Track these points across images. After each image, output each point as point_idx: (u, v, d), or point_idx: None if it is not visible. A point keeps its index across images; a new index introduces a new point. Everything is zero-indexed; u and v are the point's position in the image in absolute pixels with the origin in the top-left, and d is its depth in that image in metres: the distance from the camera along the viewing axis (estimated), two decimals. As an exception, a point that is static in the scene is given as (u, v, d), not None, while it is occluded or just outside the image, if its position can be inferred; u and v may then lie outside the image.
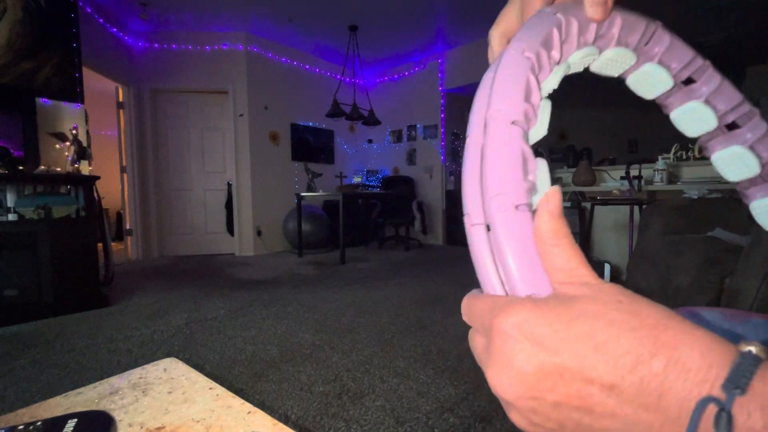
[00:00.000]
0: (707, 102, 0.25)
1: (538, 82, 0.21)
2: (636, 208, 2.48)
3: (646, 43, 0.24)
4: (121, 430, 0.36)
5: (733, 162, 0.26)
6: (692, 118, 0.26)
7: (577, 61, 0.23)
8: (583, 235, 2.85)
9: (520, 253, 0.18)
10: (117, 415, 0.38)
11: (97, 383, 0.45)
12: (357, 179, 5.20)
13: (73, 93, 2.69)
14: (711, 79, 0.25)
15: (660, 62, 0.25)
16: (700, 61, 0.25)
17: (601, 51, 0.24)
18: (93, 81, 3.73)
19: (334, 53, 5.11)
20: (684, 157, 2.75)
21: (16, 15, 2.43)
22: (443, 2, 3.88)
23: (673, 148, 2.75)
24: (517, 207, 0.19)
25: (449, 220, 5.36)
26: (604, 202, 2.22)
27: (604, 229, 3.14)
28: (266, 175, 4.70)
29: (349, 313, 2.24)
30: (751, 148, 0.25)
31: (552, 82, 0.22)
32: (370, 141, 6.13)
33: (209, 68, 4.38)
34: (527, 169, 0.19)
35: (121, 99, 4.17)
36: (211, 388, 0.44)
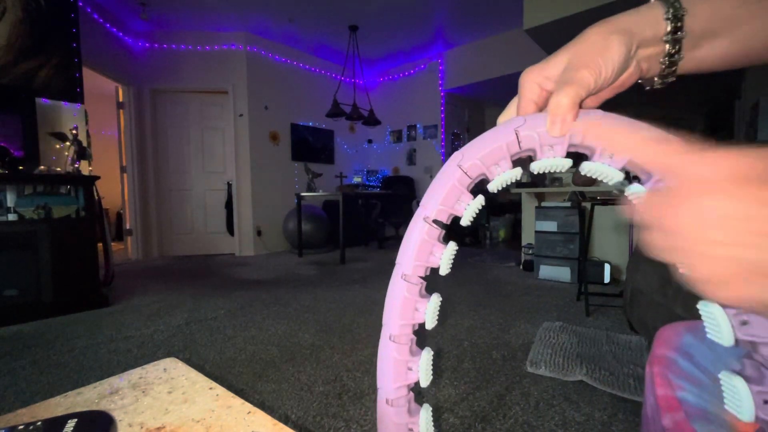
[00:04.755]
0: None
1: (466, 188, 0.27)
2: (636, 208, 2.47)
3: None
4: (121, 430, 0.36)
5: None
6: None
7: (538, 169, 0.26)
8: (583, 235, 2.85)
9: None
10: (117, 415, 0.38)
11: (97, 383, 0.45)
12: (357, 179, 5.21)
13: (73, 93, 2.70)
14: None
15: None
16: None
17: (586, 160, 0.25)
18: (93, 81, 3.73)
19: (334, 53, 5.10)
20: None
21: (16, 15, 2.43)
22: (443, 2, 3.88)
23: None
24: (402, 276, 0.28)
25: (449, 220, 5.36)
26: (604, 202, 2.22)
27: (604, 229, 3.14)
28: (266, 175, 4.70)
29: (349, 313, 2.24)
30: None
31: (495, 185, 0.27)
32: (370, 141, 6.13)
33: (209, 68, 4.38)
34: (431, 251, 0.28)
35: (121, 99, 4.17)
36: (211, 388, 0.44)
